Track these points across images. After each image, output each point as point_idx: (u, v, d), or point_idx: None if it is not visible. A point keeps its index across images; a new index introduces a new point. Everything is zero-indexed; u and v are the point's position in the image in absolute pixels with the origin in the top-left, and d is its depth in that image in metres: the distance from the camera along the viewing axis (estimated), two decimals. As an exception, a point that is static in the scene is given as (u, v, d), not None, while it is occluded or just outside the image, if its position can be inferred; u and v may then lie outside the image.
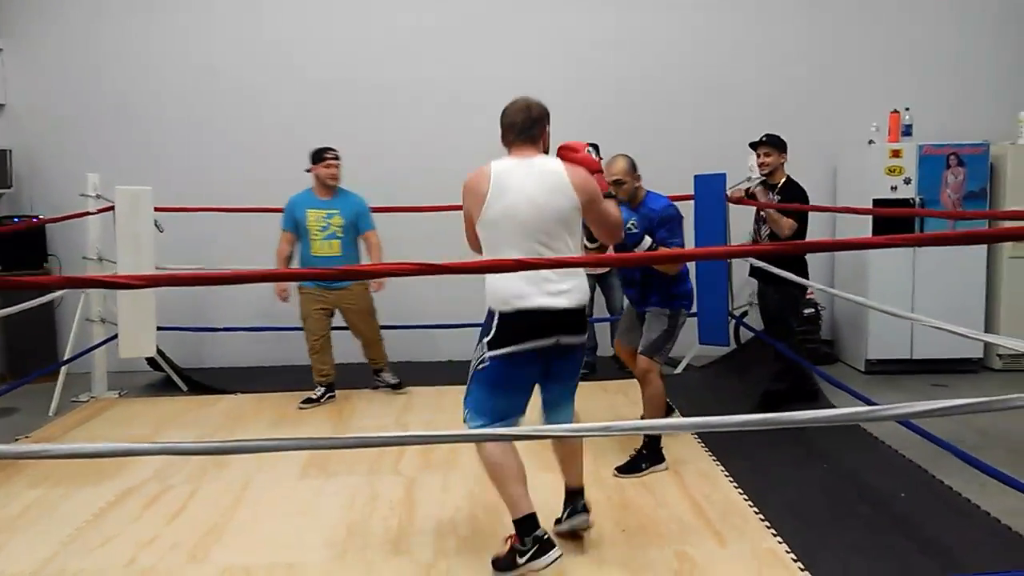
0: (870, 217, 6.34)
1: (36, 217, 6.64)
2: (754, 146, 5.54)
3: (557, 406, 3.39)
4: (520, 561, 3.13)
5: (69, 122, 7.03)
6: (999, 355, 6.41)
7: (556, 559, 3.12)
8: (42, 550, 3.55)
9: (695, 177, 6.13)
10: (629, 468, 4.33)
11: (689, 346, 6.55)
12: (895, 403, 2.28)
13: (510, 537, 3.22)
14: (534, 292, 3.11)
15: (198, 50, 7.05)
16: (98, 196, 6.07)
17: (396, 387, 6.07)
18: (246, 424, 5.41)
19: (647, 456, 4.35)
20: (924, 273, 6.40)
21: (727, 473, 4.29)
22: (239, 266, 6.24)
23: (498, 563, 3.24)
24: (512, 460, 3.20)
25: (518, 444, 3.24)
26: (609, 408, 5.59)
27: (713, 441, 4.67)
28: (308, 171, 5.70)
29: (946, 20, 7.21)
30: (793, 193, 5.36)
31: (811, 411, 2.35)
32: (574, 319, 3.19)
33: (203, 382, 6.41)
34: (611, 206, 3.33)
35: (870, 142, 6.68)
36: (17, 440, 5.04)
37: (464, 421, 3.29)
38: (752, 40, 7.18)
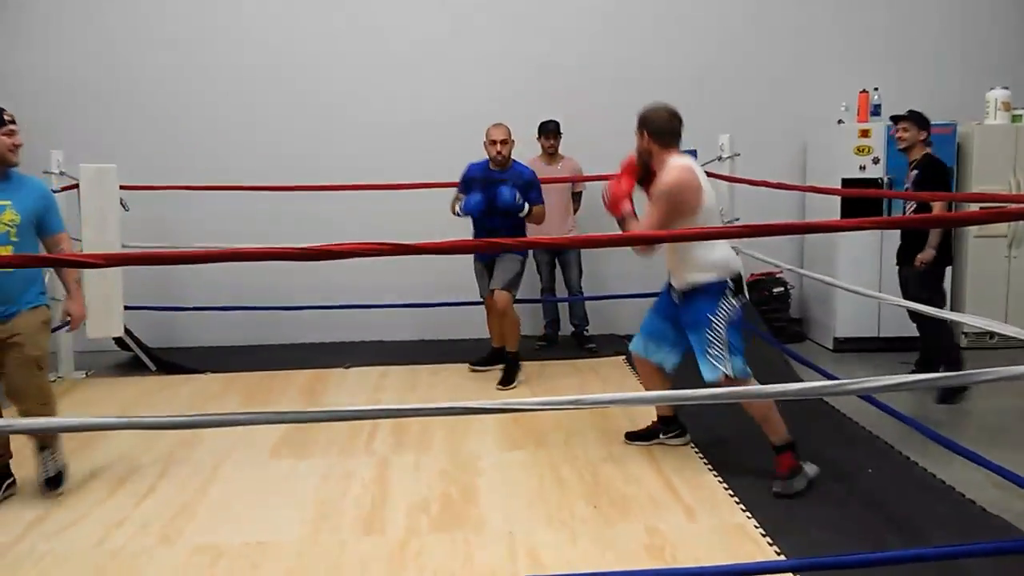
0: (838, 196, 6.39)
1: (-2, 195, 6.49)
2: (895, 120, 5.49)
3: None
4: (806, 470, 3.81)
5: (31, 98, 6.86)
6: (964, 333, 6.51)
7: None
8: (8, 531, 3.51)
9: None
10: (506, 381, 5.55)
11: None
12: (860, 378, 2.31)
13: (782, 459, 3.82)
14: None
15: (161, 26, 6.92)
16: (62, 173, 5.96)
17: (52, 484, 3.90)
18: (215, 404, 5.37)
19: (515, 367, 5.65)
20: (892, 252, 6.43)
21: (696, 449, 4.33)
22: (206, 244, 6.16)
23: (784, 485, 3.76)
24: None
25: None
26: (580, 387, 5.62)
27: (683, 418, 4.70)
28: None
29: (915, 1, 7.26)
30: (933, 171, 5.24)
31: (777, 385, 2.38)
32: None
33: (172, 362, 6.34)
34: None
35: (839, 121, 6.73)
36: (-18, 421, 4.97)
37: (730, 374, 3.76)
38: (722, 17, 7.18)
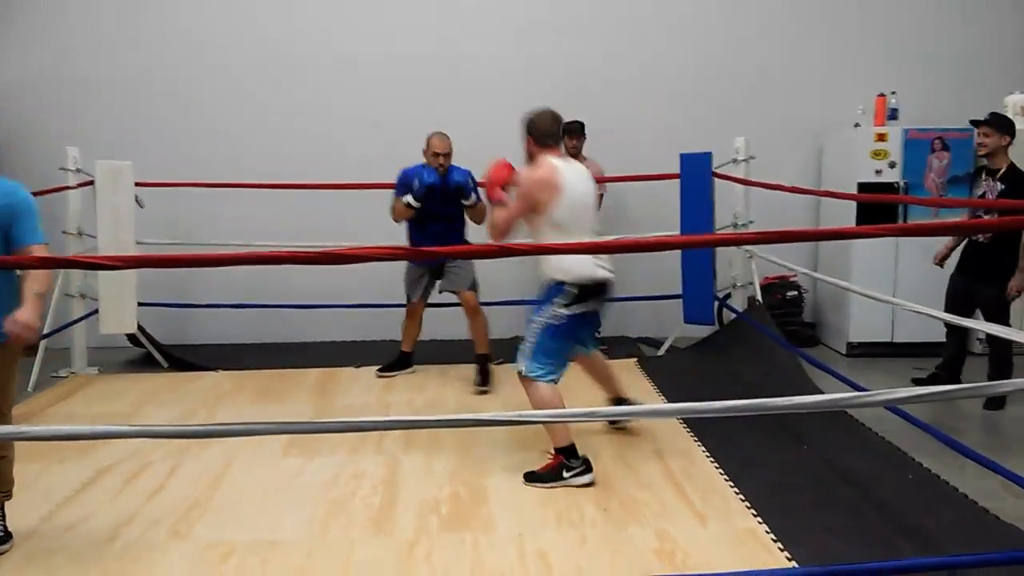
0: (854, 200, 6.35)
1: (15, 190, 6.54)
2: (975, 124, 5.21)
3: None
4: (567, 475, 3.91)
5: (50, 96, 6.92)
6: (979, 339, 6.46)
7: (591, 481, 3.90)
8: (21, 527, 3.52)
9: (681, 155, 6.13)
10: (483, 383, 5.56)
11: (672, 327, 6.57)
12: (878, 387, 2.28)
13: (555, 458, 3.95)
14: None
15: (178, 25, 6.94)
16: (78, 170, 5.99)
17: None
18: (227, 401, 5.38)
19: (488, 370, 5.61)
20: (907, 256, 6.43)
21: (708, 454, 4.31)
22: (221, 242, 6.18)
23: (538, 476, 3.94)
24: (560, 401, 3.95)
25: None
26: (593, 389, 5.59)
27: (695, 422, 4.68)
28: None
29: (934, 4, 7.21)
30: (1019, 182, 4.91)
31: (796, 397, 2.35)
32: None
33: (184, 359, 6.36)
34: None
35: (856, 125, 6.69)
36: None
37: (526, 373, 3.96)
38: (738, 19, 7.15)
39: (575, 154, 6.53)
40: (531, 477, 3.98)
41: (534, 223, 3.93)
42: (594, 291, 3.96)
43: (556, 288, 3.93)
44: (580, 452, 3.97)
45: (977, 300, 5.17)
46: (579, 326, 4.05)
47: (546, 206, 3.85)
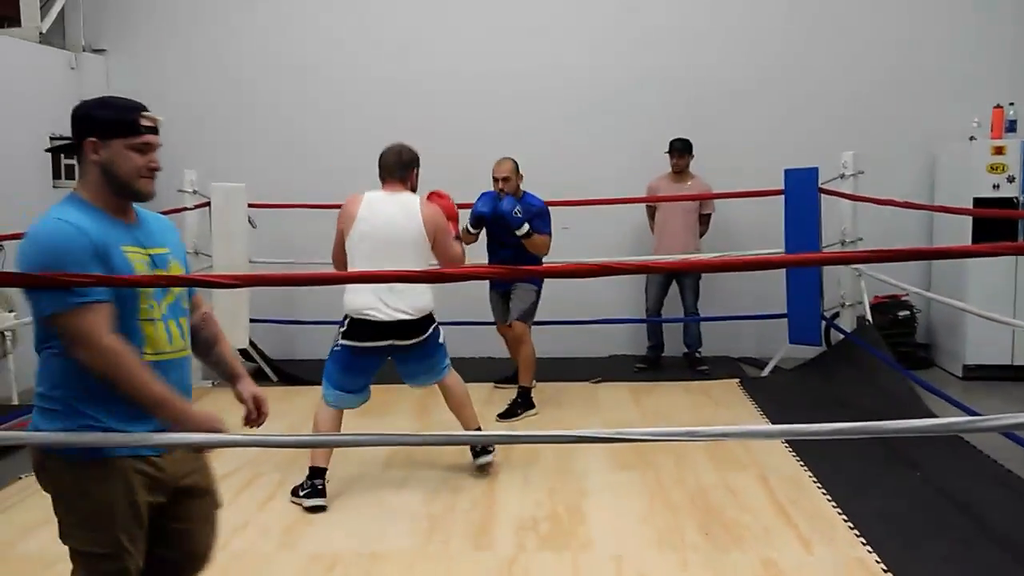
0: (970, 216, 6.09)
1: (138, 212, 6.93)
2: None
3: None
4: (301, 493, 3.98)
5: (169, 120, 7.14)
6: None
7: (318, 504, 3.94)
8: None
9: (785, 171, 6.01)
10: (508, 414, 5.33)
11: (777, 348, 6.42)
12: (996, 412, 2.18)
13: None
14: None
15: (290, 50, 7.22)
16: (195, 192, 6.29)
17: None
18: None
19: (521, 404, 5.38)
20: (1028, 275, 6.12)
21: (815, 479, 4.18)
22: (327, 262, 6.35)
23: (296, 490, 4.03)
24: (331, 427, 4.12)
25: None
26: (692, 410, 5.52)
27: (801, 446, 4.55)
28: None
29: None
30: None
31: (905, 421, 2.26)
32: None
33: (293, 374, 6.57)
34: (455, 246, 4.16)
35: (971, 138, 6.41)
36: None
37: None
38: (847, 31, 6.96)
39: (680, 171, 6.50)
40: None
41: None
42: (368, 330, 3.99)
43: (342, 316, 4.08)
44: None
45: None
46: (358, 360, 4.09)
47: (343, 233, 4.07)
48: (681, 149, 6.44)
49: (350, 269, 3.97)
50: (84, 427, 2.10)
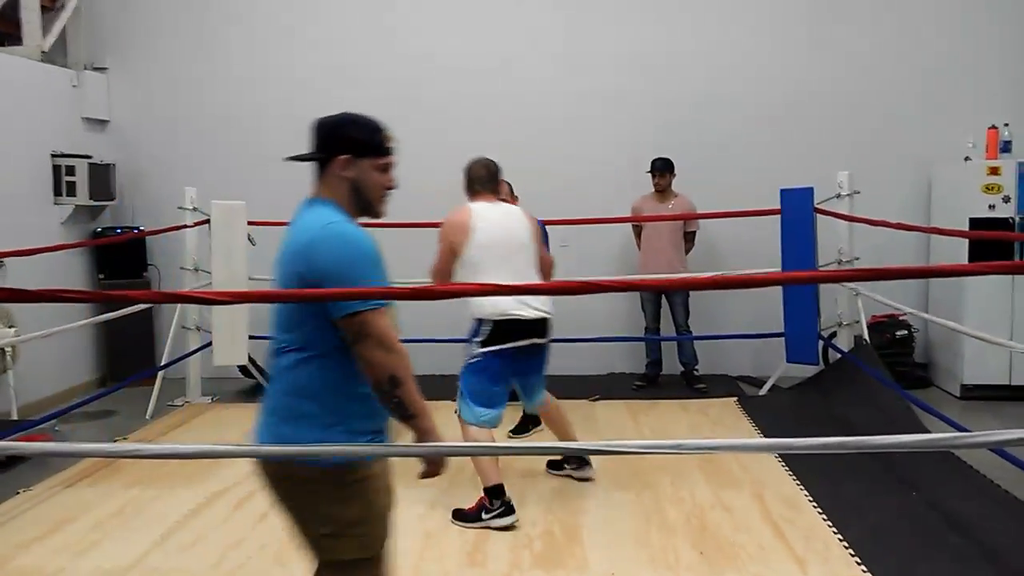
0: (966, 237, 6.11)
1: (137, 228, 6.99)
2: None
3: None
4: (485, 517, 3.88)
5: (169, 138, 7.34)
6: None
7: (514, 522, 3.88)
8: (135, 548, 3.71)
9: (781, 191, 6.04)
10: (520, 430, 5.33)
11: (774, 366, 6.42)
12: (989, 430, 2.19)
13: (481, 498, 3.92)
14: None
15: (291, 68, 7.27)
16: (195, 209, 6.31)
17: None
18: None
19: (531, 419, 5.27)
20: (1024, 296, 6.14)
21: (811, 498, 4.18)
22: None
23: (463, 515, 3.94)
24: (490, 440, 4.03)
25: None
26: (690, 427, 5.52)
27: (797, 464, 4.56)
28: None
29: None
30: None
31: (896, 436, 2.28)
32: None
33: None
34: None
35: (966, 159, 6.45)
36: (115, 441, 5.27)
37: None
38: (842, 52, 7.00)
39: (663, 191, 6.52)
40: (456, 515, 4.00)
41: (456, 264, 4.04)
42: (514, 329, 3.97)
43: (475, 326, 4.03)
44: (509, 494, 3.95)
45: None
46: (502, 366, 4.02)
47: (460, 246, 3.99)
48: (662, 168, 6.47)
49: (476, 279, 3.88)
50: (347, 433, 2.14)
